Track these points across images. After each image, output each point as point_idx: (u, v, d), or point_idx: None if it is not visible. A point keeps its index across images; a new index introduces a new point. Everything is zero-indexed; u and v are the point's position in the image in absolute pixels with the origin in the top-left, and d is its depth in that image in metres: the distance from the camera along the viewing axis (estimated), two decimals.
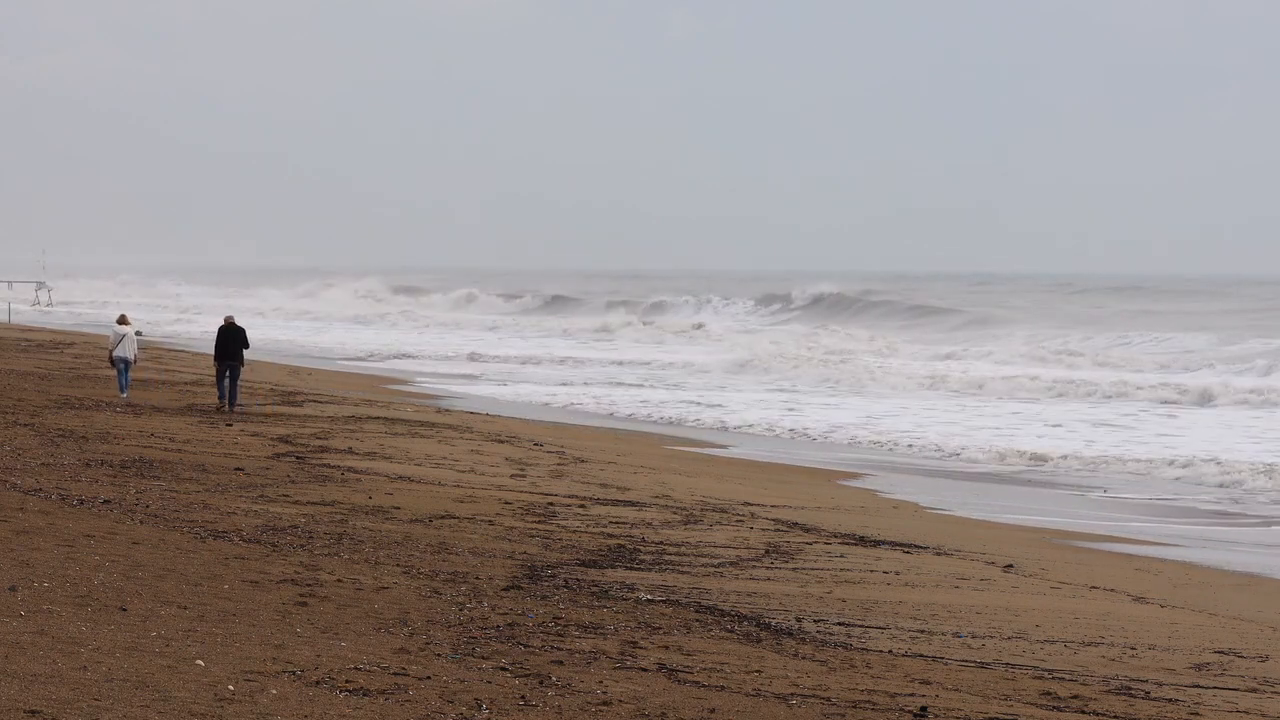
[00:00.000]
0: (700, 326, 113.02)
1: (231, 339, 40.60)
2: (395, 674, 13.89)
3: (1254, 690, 16.07)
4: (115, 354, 41.61)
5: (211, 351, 41.92)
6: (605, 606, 17.93)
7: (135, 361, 42.26)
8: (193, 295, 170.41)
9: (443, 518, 23.97)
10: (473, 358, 78.36)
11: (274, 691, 12.93)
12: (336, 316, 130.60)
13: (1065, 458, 39.55)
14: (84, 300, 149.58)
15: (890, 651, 16.77)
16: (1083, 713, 14.59)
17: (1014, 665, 16.48)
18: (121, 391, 41.17)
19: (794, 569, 21.64)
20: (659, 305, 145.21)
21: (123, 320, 43.52)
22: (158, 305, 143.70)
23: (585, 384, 62.19)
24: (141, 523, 21.05)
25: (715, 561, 21.79)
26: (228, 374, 40.04)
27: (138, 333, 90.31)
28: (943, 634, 17.90)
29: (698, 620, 17.54)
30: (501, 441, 36.09)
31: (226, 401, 39.76)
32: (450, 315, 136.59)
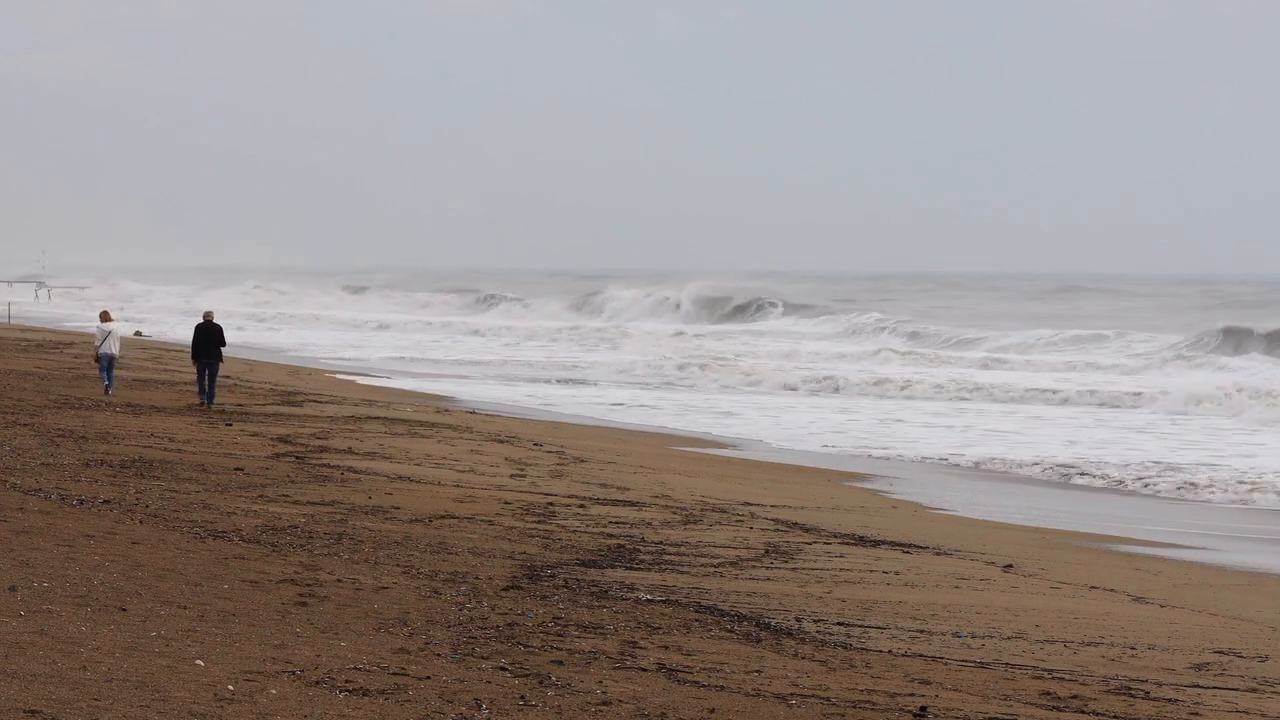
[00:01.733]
0: (604, 331, 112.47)
1: (209, 337, 40.81)
2: (395, 674, 13.90)
3: (1254, 690, 16.07)
4: (101, 351, 42.01)
5: (189, 350, 42.23)
6: (605, 606, 17.93)
7: (119, 357, 42.70)
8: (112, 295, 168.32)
9: (443, 518, 23.97)
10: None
11: (274, 691, 12.93)
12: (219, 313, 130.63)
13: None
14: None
15: (890, 651, 16.77)
16: (1082, 713, 14.60)
17: (1014, 665, 16.48)
18: (106, 388, 41.57)
19: (794, 569, 21.65)
20: (582, 303, 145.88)
21: (105, 317, 43.77)
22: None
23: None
24: (141, 523, 21.05)
25: (715, 561, 21.79)
26: (206, 372, 40.35)
27: (137, 333, 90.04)
28: (943, 634, 17.90)
29: (697, 620, 17.54)
30: (501, 441, 36.10)
31: (207, 397, 40.09)
32: (356, 314, 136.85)
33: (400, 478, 28.52)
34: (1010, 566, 22.89)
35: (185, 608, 15.90)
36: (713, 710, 13.57)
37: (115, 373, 42.41)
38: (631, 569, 20.77)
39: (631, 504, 26.99)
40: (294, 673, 13.60)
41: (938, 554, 23.77)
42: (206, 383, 40.33)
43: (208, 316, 41.99)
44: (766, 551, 22.91)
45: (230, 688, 12.89)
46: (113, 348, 42.07)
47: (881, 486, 33.01)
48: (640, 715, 13.24)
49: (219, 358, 40.67)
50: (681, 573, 20.75)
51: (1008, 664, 16.53)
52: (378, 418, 39.39)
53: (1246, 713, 15.11)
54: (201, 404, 39.92)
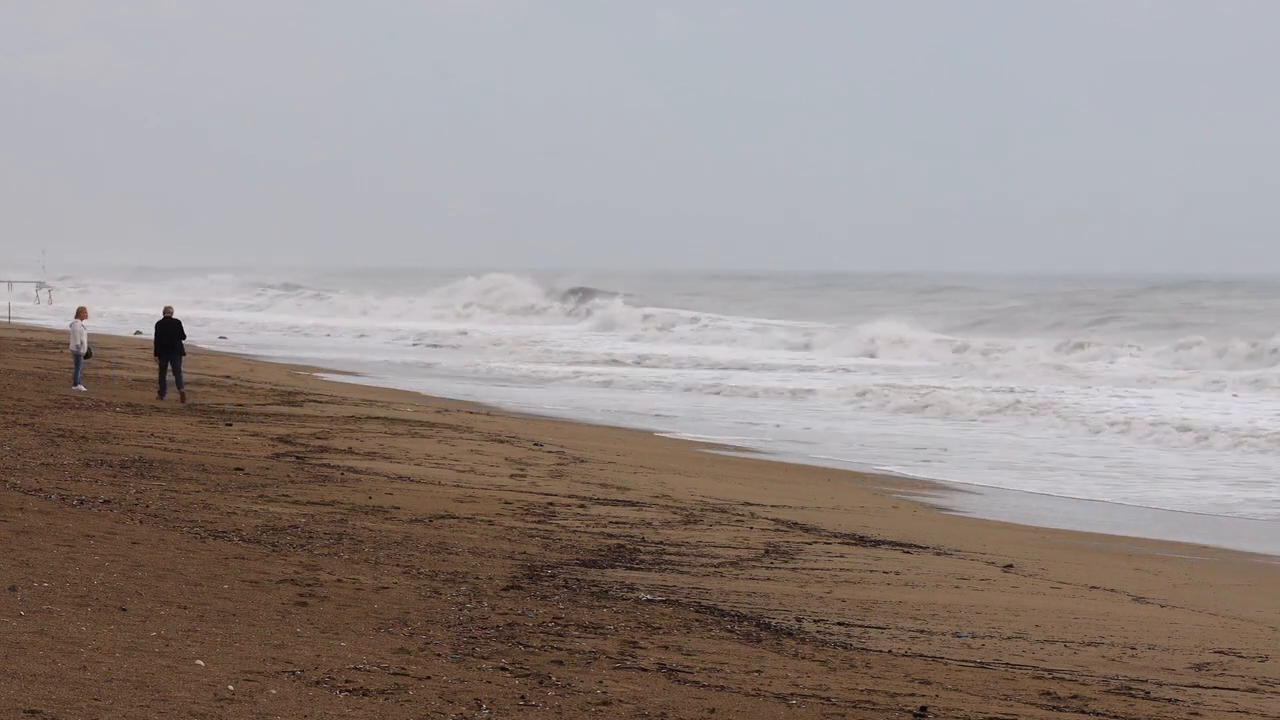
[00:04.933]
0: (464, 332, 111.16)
1: (170, 331, 41.25)
2: (395, 674, 13.90)
3: (1254, 690, 16.07)
4: (70, 348, 43.15)
5: (152, 348, 42.80)
6: (605, 606, 17.93)
7: (87, 354, 43.53)
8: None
9: (443, 518, 23.97)
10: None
11: (274, 691, 12.93)
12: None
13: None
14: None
15: (890, 651, 16.77)
16: (1083, 713, 14.60)
17: (1014, 665, 16.48)
18: (74, 384, 42.25)
19: (794, 569, 21.65)
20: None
21: (78, 314, 44.51)
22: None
23: None
24: (141, 523, 21.05)
25: (715, 561, 21.79)
26: (169, 366, 40.89)
27: (137, 332, 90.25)
28: (943, 634, 17.90)
29: (698, 620, 17.54)
30: (501, 441, 36.11)
31: (178, 390, 40.56)
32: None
33: (400, 478, 28.53)
34: (1010, 566, 22.90)
35: (185, 608, 15.90)
36: (713, 710, 13.57)
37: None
38: (631, 569, 20.77)
39: (631, 504, 26.99)
40: (294, 673, 13.60)
41: (938, 554, 23.77)
42: (172, 375, 40.96)
43: (167, 311, 42.46)
44: (766, 551, 22.91)
45: (230, 688, 12.89)
46: (72, 343, 43.16)
47: (881, 486, 33.02)
48: (640, 715, 13.24)
49: (181, 351, 41.39)
50: (681, 573, 20.75)
51: (1008, 664, 16.53)
52: (378, 418, 39.39)
53: (1246, 713, 15.11)
54: (177, 399, 40.30)
